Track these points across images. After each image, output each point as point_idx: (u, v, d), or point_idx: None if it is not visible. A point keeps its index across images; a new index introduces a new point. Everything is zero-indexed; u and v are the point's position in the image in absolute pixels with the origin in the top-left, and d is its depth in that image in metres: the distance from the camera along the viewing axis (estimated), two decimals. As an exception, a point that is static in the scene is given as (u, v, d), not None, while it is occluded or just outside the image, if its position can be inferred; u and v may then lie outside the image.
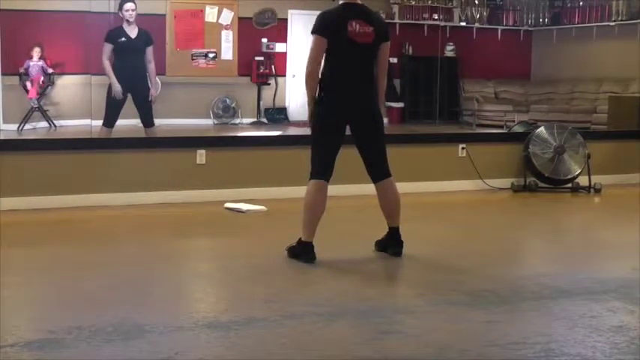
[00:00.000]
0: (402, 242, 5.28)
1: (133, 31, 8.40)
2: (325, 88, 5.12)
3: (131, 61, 8.39)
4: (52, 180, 7.00)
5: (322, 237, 5.17)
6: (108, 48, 8.34)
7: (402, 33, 14.69)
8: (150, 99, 8.62)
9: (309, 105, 5.17)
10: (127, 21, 8.36)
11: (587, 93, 14.01)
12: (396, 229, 5.29)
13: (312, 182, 5.14)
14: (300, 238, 5.14)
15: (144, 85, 8.61)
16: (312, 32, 5.11)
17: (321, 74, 5.13)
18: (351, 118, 5.16)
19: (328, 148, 5.16)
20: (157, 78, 9.15)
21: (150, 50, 8.53)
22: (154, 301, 4.34)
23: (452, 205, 7.78)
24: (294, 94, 13.91)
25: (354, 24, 5.07)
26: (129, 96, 8.46)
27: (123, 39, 8.35)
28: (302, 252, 5.11)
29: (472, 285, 4.66)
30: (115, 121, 8.47)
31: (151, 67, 8.58)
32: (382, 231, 5.39)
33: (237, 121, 13.86)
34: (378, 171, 5.27)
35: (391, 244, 5.29)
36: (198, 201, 7.30)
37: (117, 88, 8.29)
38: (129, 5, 8.34)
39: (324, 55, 5.11)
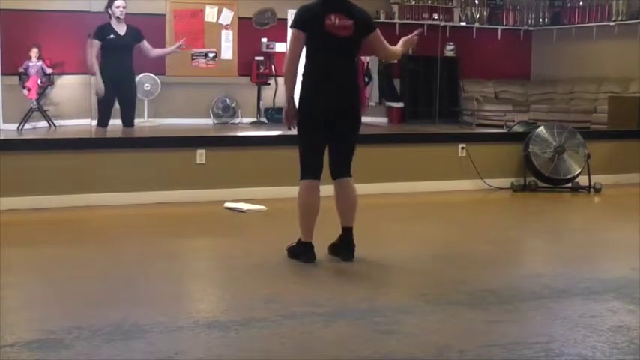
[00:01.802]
0: (354, 245, 5.16)
1: (121, 29, 8.35)
2: (304, 85, 5.09)
3: (119, 58, 8.35)
4: (52, 180, 7.00)
5: (322, 237, 5.17)
6: (96, 44, 8.29)
7: (402, 33, 14.54)
8: (178, 50, 8.73)
9: (287, 103, 5.12)
10: (118, 18, 8.32)
11: (587, 93, 13.99)
12: (350, 229, 5.17)
13: (302, 183, 5.12)
14: (300, 238, 5.14)
15: (130, 83, 8.64)
16: (291, 26, 5.10)
17: (302, 70, 5.10)
18: (330, 114, 5.08)
19: (314, 147, 5.12)
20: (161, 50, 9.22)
21: (145, 44, 8.51)
22: (154, 301, 4.33)
23: (452, 204, 7.78)
24: (294, 94, 13.88)
25: (332, 17, 5.02)
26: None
27: (112, 36, 8.30)
28: (302, 252, 5.10)
29: (472, 285, 4.66)
30: (108, 119, 8.44)
31: (155, 51, 8.71)
32: (380, 231, 5.39)
33: (237, 121, 13.84)
34: (340, 170, 5.18)
35: (343, 248, 5.17)
36: (198, 201, 7.30)
37: (100, 86, 8.26)
38: (120, 2, 8.30)
39: (305, 50, 5.08)
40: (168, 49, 8.89)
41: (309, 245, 5.10)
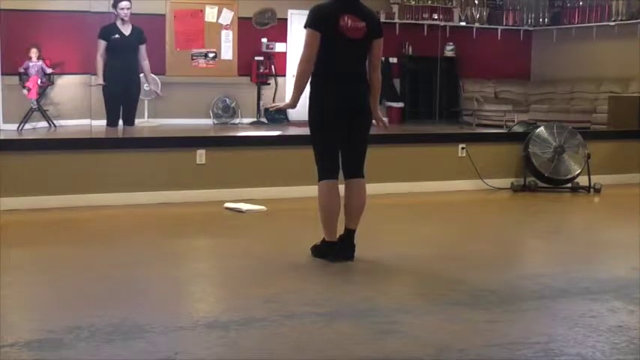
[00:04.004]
0: (354, 246, 5.16)
1: (126, 29, 8.39)
2: (315, 85, 5.08)
3: (124, 58, 8.39)
4: (52, 180, 7.00)
5: (322, 237, 5.17)
6: (102, 44, 8.34)
7: (402, 33, 14.69)
8: (154, 96, 8.67)
9: (292, 99, 5.13)
10: (122, 19, 8.37)
11: (587, 93, 14.01)
12: (353, 231, 5.17)
13: (321, 183, 5.11)
14: (324, 238, 5.14)
15: (136, 83, 8.65)
16: (305, 26, 5.06)
17: (312, 71, 5.07)
18: (341, 114, 5.06)
19: (328, 146, 5.12)
20: (154, 76, 9.17)
21: (143, 48, 8.52)
22: (154, 301, 4.33)
23: (452, 204, 7.78)
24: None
25: (345, 18, 5.01)
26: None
27: (116, 36, 8.34)
28: (328, 251, 5.12)
29: (472, 285, 4.66)
30: (118, 119, 8.52)
31: (146, 64, 8.60)
32: (380, 231, 5.38)
33: (237, 121, 13.86)
34: (352, 170, 5.18)
35: (343, 248, 5.15)
36: (198, 201, 7.30)
37: (99, 80, 8.37)
38: (124, 4, 8.33)
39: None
40: (150, 75, 9.01)
41: (335, 244, 5.11)
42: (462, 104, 15.15)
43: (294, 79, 5.16)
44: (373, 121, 5.26)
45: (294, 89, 5.14)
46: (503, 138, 9.36)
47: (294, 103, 5.17)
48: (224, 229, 6.48)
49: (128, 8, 8.34)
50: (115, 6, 8.42)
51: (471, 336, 3.76)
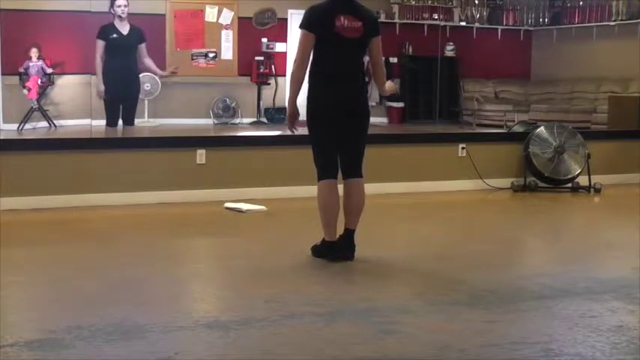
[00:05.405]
0: (354, 246, 5.16)
1: (124, 28, 8.39)
2: (312, 85, 5.07)
3: (122, 57, 8.39)
4: (52, 180, 7.00)
5: (322, 237, 5.16)
6: (101, 45, 8.33)
7: (402, 33, 14.68)
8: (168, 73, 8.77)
9: (289, 105, 5.12)
10: (119, 17, 8.36)
11: (587, 93, 13.99)
12: (352, 231, 5.17)
13: (320, 183, 5.11)
14: (324, 238, 5.14)
15: (133, 83, 8.65)
16: (300, 27, 5.06)
17: (309, 71, 5.08)
18: (339, 114, 5.07)
19: (326, 147, 5.13)
20: (157, 69, 9.18)
21: (143, 47, 8.52)
22: (154, 301, 4.34)
23: (452, 204, 7.78)
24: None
25: (342, 18, 5.01)
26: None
27: (114, 35, 8.34)
28: (327, 251, 5.12)
29: (472, 285, 4.67)
30: (117, 118, 8.52)
31: (148, 61, 8.60)
32: (380, 231, 5.37)
33: (237, 120, 13.85)
34: (351, 170, 5.18)
35: (343, 248, 5.15)
36: (198, 201, 7.30)
37: (100, 88, 8.37)
38: (121, 1, 8.33)
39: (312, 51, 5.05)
40: (158, 70, 8.99)
41: (335, 244, 5.11)
42: (462, 104, 15.13)
43: (289, 81, 5.13)
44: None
45: (290, 92, 5.10)
46: (504, 138, 9.35)
47: (292, 108, 5.13)
48: (224, 229, 6.49)
49: (125, 5, 8.34)
50: (111, 4, 8.42)
51: (471, 336, 3.76)
